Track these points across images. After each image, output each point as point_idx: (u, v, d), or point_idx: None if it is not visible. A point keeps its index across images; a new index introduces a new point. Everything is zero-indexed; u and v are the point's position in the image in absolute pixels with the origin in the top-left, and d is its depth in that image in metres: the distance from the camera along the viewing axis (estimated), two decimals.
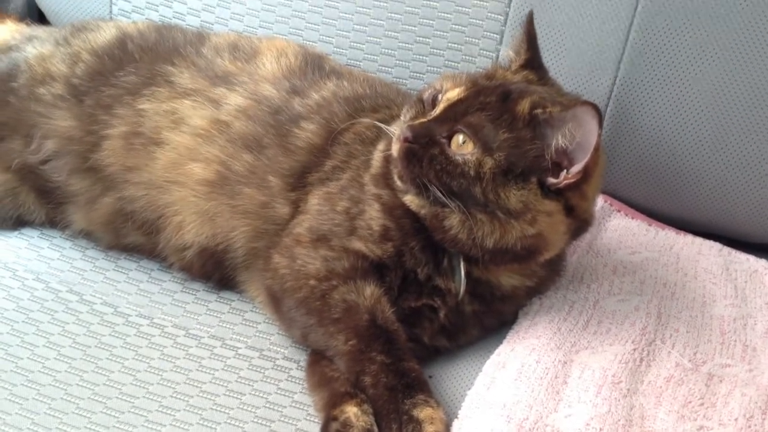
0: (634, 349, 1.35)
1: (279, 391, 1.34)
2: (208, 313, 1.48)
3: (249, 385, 1.34)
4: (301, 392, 1.34)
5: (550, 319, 1.41)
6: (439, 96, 1.34)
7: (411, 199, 1.32)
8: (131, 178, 1.50)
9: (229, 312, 1.48)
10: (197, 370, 1.36)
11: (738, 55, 1.60)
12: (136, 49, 1.60)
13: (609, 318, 1.43)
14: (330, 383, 1.29)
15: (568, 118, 1.24)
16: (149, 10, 1.95)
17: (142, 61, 1.58)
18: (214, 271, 1.49)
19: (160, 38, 1.63)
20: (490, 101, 1.29)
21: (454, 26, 1.76)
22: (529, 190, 1.27)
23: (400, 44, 1.80)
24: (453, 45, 1.77)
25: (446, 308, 1.37)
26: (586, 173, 1.28)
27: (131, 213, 1.51)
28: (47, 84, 1.58)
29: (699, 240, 1.67)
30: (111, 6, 1.99)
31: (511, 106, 1.28)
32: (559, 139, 1.25)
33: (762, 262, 1.62)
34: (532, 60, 1.40)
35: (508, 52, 1.43)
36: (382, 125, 1.39)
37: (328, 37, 1.84)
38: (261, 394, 1.33)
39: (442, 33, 1.77)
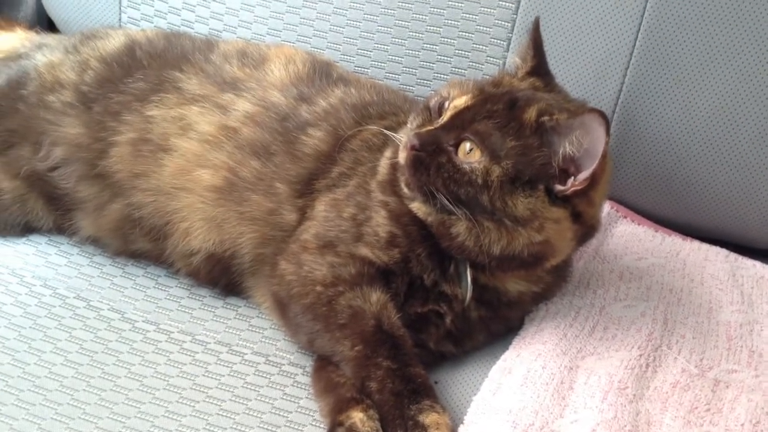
0: (640, 355, 1.34)
1: (285, 397, 1.34)
2: (214, 319, 1.48)
3: (255, 390, 1.34)
4: (306, 398, 1.34)
5: (556, 324, 1.41)
6: (446, 103, 1.34)
7: (418, 207, 1.32)
8: (139, 184, 1.51)
9: (235, 318, 1.48)
10: (203, 375, 1.36)
11: (745, 61, 1.60)
12: (145, 56, 1.61)
13: (615, 324, 1.43)
14: (336, 389, 1.29)
15: (575, 125, 1.24)
16: (158, 19, 1.96)
17: (150, 68, 1.58)
18: (221, 277, 1.50)
19: (169, 45, 1.64)
20: (497, 109, 1.29)
21: (461, 33, 1.76)
22: (536, 197, 1.26)
23: (408, 51, 1.80)
24: (460, 52, 1.77)
25: (452, 314, 1.37)
26: (593, 180, 1.27)
27: (139, 219, 1.51)
28: (56, 91, 1.59)
29: (705, 246, 1.67)
30: (120, 14, 2.00)
31: (519, 113, 1.28)
32: (566, 147, 1.25)
33: None
34: (539, 67, 1.40)
35: (515, 59, 1.43)
36: (388, 132, 1.40)
37: (336, 44, 1.84)
38: (267, 400, 1.33)
39: (449, 40, 1.77)
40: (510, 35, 1.74)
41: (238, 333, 1.45)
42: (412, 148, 1.29)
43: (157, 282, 1.55)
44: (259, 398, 1.33)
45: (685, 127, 1.65)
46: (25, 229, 1.63)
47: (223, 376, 1.36)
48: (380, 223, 1.37)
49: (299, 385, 1.36)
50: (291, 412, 1.31)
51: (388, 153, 1.42)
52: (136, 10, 1.98)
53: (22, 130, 1.59)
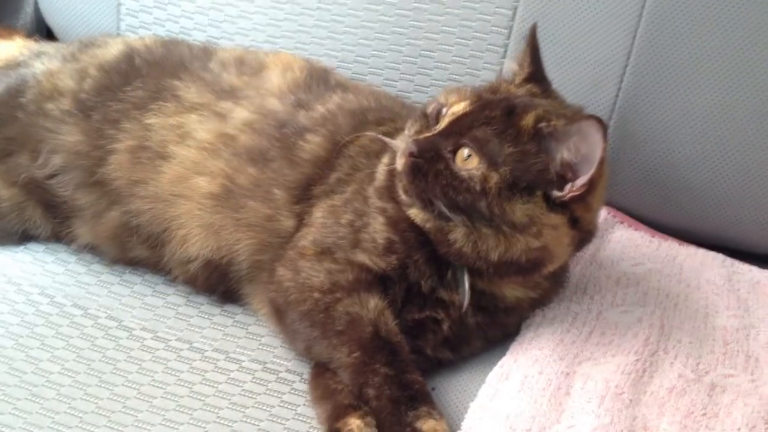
0: (637, 360, 1.34)
1: (282, 404, 1.34)
2: (212, 326, 1.48)
3: (252, 398, 1.34)
4: (304, 405, 1.34)
5: (553, 330, 1.41)
6: (443, 110, 1.34)
7: (416, 213, 1.32)
8: (137, 191, 1.51)
9: (232, 325, 1.48)
10: (201, 383, 1.36)
11: (742, 66, 1.60)
12: (143, 64, 1.61)
13: (612, 329, 1.42)
14: (333, 395, 1.29)
15: (572, 131, 1.24)
16: (156, 26, 1.97)
17: (149, 76, 1.59)
18: (219, 283, 1.50)
19: (167, 53, 1.64)
20: (494, 115, 1.29)
21: (458, 40, 1.77)
22: (534, 203, 1.27)
23: (405, 58, 1.81)
24: (457, 58, 1.78)
25: (450, 320, 1.37)
26: (591, 185, 1.27)
27: (137, 226, 1.52)
28: (55, 99, 1.59)
29: (702, 251, 1.67)
30: (118, 22, 2.00)
31: (516, 120, 1.28)
32: (564, 153, 1.25)
33: (765, 272, 1.61)
34: (536, 73, 1.40)
35: (512, 66, 1.43)
36: (385, 139, 1.40)
37: (333, 51, 1.85)
38: (264, 407, 1.33)
39: (446, 47, 1.78)
40: (507, 42, 1.74)
41: (235, 340, 1.45)
42: (410, 154, 1.29)
43: (154, 290, 1.55)
44: (256, 405, 1.33)
45: (681, 132, 1.65)
46: (23, 237, 1.63)
47: (221, 383, 1.36)
48: (378, 229, 1.37)
49: (297, 393, 1.36)
50: (288, 420, 1.31)
51: (385, 159, 1.42)
52: (135, 18, 1.99)
53: (20, 137, 1.59)
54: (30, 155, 1.58)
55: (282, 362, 1.41)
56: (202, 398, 1.33)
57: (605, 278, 1.56)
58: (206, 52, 1.65)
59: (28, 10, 2.14)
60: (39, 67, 1.66)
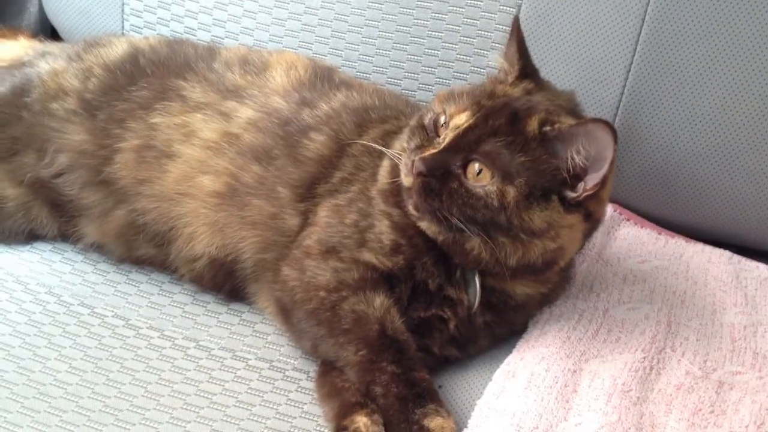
0: (644, 358, 1.34)
1: (289, 402, 1.34)
2: (218, 324, 1.48)
3: (259, 396, 1.34)
4: (311, 403, 1.34)
5: (559, 328, 1.41)
6: (441, 119, 1.33)
7: (427, 226, 1.32)
8: (143, 190, 1.51)
9: (239, 323, 1.49)
10: (208, 381, 1.36)
11: (747, 64, 1.60)
12: (148, 64, 1.61)
13: (619, 326, 1.43)
14: (340, 393, 1.29)
15: (579, 133, 1.24)
16: (161, 26, 1.97)
17: (154, 76, 1.59)
18: (225, 282, 1.50)
19: (172, 53, 1.64)
20: (499, 124, 1.28)
21: (462, 38, 1.77)
22: (552, 209, 1.27)
23: (409, 56, 1.81)
24: (462, 57, 1.77)
25: (457, 319, 1.37)
26: (603, 183, 1.27)
27: (143, 225, 1.52)
28: (60, 99, 1.59)
29: (709, 248, 1.67)
30: (123, 22, 2.00)
31: (521, 126, 1.27)
32: (572, 154, 1.25)
33: None
34: (526, 67, 1.39)
35: (502, 63, 1.41)
36: (385, 150, 1.38)
37: (338, 50, 1.85)
38: (271, 405, 1.33)
39: (450, 45, 1.78)
40: None
41: (242, 338, 1.45)
42: (419, 174, 1.28)
43: (161, 288, 1.55)
44: (263, 404, 1.33)
45: (687, 130, 1.65)
46: (30, 237, 1.64)
47: (228, 381, 1.36)
48: (384, 231, 1.37)
49: (303, 391, 1.36)
50: (295, 418, 1.31)
51: (386, 161, 1.42)
52: (139, 18, 1.99)
53: (26, 137, 1.59)
54: (36, 155, 1.58)
55: (289, 360, 1.41)
56: (209, 396, 1.33)
57: (612, 275, 1.56)
58: (211, 52, 1.65)
59: (33, 10, 2.15)
60: (44, 66, 1.66)
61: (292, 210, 1.45)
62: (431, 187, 1.28)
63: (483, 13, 1.75)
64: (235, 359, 1.41)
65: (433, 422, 1.22)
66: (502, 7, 1.74)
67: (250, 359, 1.41)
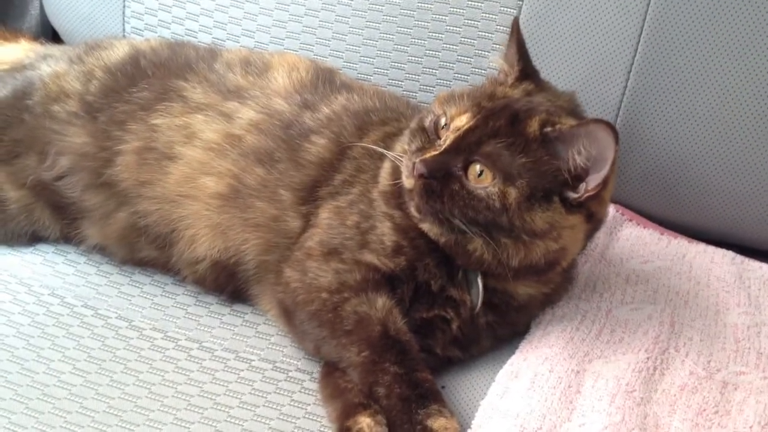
0: (648, 358, 1.34)
1: (292, 403, 1.34)
2: (221, 326, 1.48)
3: (262, 397, 1.34)
4: (314, 404, 1.34)
5: (562, 328, 1.41)
6: (442, 120, 1.33)
7: (429, 228, 1.32)
8: (144, 192, 1.51)
9: (242, 325, 1.49)
10: (211, 382, 1.36)
11: (748, 64, 1.60)
12: (149, 65, 1.61)
13: (622, 327, 1.43)
14: (343, 394, 1.30)
15: (580, 134, 1.24)
16: (162, 28, 1.97)
17: (155, 77, 1.59)
18: (227, 284, 1.50)
19: (173, 54, 1.64)
20: (500, 126, 1.28)
21: (463, 39, 1.77)
22: (553, 210, 1.27)
23: (410, 58, 1.81)
24: (463, 58, 1.78)
25: (459, 319, 1.37)
26: (605, 183, 1.28)
27: (145, 227, 1.52)
28: (61, 101, 1.59)
29: (712, 248, 1.67)
30: (124, 25, 2.01)
31: (522, 128, 1.28)
32: (574, 155, 1.25)
33: None
34: (526, 68, 1.39)
35: (502, 65, 1.41)
36: (386, 152, 1.39)
37: (339, 51, 1.85)
38: (274, 406, 1.33)
39: (451, 46, 1.78)
40: None
41: (245, 340, 1.45)
42: (420, 176, 1.28)
43: (164, 290, 1.55)
44: (266, 404, 1.33)
45: (689, 129, 1.65)
46: (32, 239, 1.64)
47: (231, 382, 1.36)
48: (385, 233, 1.37)
49: (307, 391, 1.36)
50: (299, 418, 1.31)
51: (387, 163, 1.42)
52: (140, 21, 1.99)
53: (27, 140, 1.59)
54: (37, 157, 1.58)
55: (292, 361, 1.41)
56: (213, 397, 1.33)
57: (614, 276, 1.56)
58: (212, 54, 1.65)
59: (34, 13, 2.15)
60: (45, 69, 1.66)
61: (294, 213, 1.45)
62: (432, 188, 1.28)
63: (484, 15, 1.75)
64: (239, 360, 1.41)
65: (437, 423, 1.22)
66: (502, 8, 1.74)
67: (254, 360, 1.41)
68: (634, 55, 1.66)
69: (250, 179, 1.46)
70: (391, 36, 1.81)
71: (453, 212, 1.27)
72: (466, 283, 1.36)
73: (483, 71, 1.76)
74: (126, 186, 1.53)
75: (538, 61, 1.42)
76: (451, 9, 1.77)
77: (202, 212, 1.48)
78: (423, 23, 1.79)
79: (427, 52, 1.80)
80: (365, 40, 1.83)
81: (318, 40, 1.86)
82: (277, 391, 1.36)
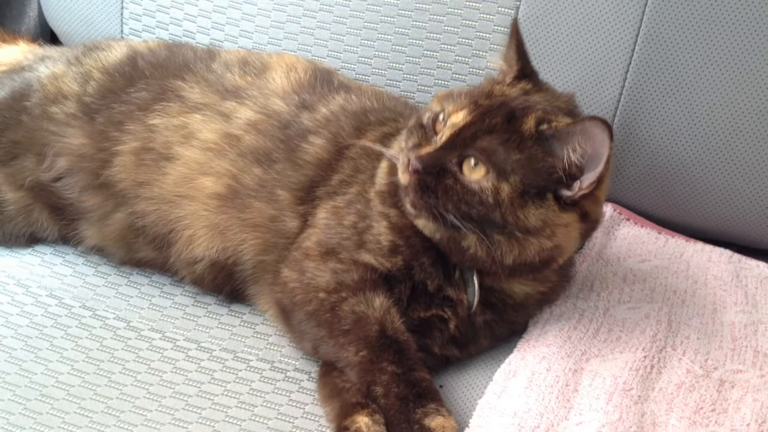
0: (645, 357, 1.34)
1: (291, 403, 1.34)
2: (219, 326, 1.48)
3: (261, 396, 1.35)
4: (312, 403, 1.34)
5: (560, 327, 1.42)
6: (440, 117, 1.33)
7: (424, 224, 1.32)
8: (142, 193, 1.51)
9: (240, 325, 1.49)
10: (209, 382, 1.36)
11: (746, 63, 1.60)
12: (147, 66, 1.61)
13: (619, 326, 1.43)
14: (341, 394, 1.30)
15: (575, 131, 1.24)
16: (160, 30, 1.97)
17: (152, 78, 1.59)
18: (225, 284, 1.50)
19: (171, 55, 1.64)
20: (496, 122, 1.28)
21: (461, 40, 1.77)
22: (546, 207, 1.27)
23: (408, 59, 1.81)
24: (460, 58, 1.78)
25: (457, 319, 1.37)
26: (599, 182, 1.28)
27: (143, 228, 1.52)
28: (59, 103, 1.60)
29: (709, 247, 1.67)
30: (122, 26, 2.01)
31: (518, 125, 1.28)
32: (569, 152, 1.25)
33: None
34: (524, 68, 1.39)
35: (501, 65, 1.41)
36: (383, 149, 1.39)
37: (337, 52, 1.85)
38: (273, 406, 1.33)
39: (449, 47, 1.78)
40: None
41: (243, 340, 1.45)
42: (415, 171, 1.28)
43: (162, 290, 1.56)
44: (264, 404, 1.33)
45: (686, 129, 1.65)
46: (31, 240, 1.64)
47: (229, 382, 1.37)
48: (382, 232, 1.37)
49: (305, 391, 1.36)
50: (297, 418, 1.32)
51: (384, 163, 1.42)
52: (138, 22, 1.99)
53: (25, 141, 1.59)
54: (35, 158, 1.59)
55: (290, 361, 1.41)
56: (211, 397, 1.34)
57: (612, 275, 1.56)
58: (210, 54, 1.66)
59: (32, 14, 2.15)
60: (43, 71, 1.66)
61: (291, 213, 1.45)
62: (427, 184, 1.28)
63: (481, 15, 1.75)
64: (237, 360, 1.41)
65: (434, 422, 1.22)
66: (500, 8, 1.74)
67: (252, 360, 1.41)
68: (632, 56, 1.66)
69: (248, 179, 1.47)
70: (389, 37, 1.81)
71: (447, 207, 1.27)
72: (462, 282, 1.36)
73: (481, 71, 1.76)
74: (124, 186, 1.53)
75: (535, 62, 1.42)
76: (449, 10, 1.77)
77: (200, 212, 1.48)
78: (421, 24, 1.79)
79: (425, 52, 1.80)
80: (363, 41, 1.83)
81: (316, 41, 1.86)
82: (276, 391, 1.36)
